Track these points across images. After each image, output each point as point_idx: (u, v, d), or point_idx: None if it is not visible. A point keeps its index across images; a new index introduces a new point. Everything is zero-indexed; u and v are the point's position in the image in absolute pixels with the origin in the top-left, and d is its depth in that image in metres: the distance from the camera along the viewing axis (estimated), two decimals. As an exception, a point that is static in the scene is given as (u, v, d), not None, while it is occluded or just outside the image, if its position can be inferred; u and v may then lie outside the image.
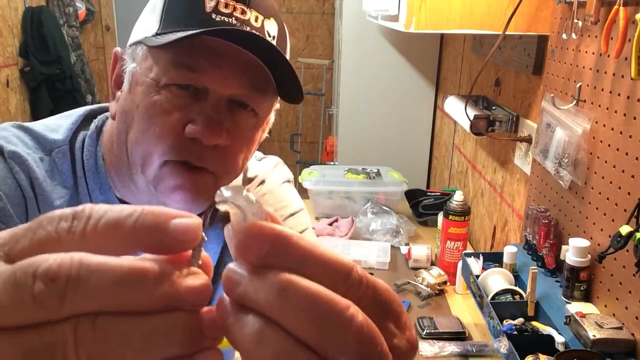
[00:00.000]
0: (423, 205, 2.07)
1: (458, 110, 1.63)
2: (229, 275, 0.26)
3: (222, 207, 0.27)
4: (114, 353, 0.23)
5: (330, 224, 1.98)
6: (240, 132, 0.67)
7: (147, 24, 0.67)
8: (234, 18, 0.63)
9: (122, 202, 0.73)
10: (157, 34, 0.64)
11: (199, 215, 0.77)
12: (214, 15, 0.62)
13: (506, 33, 1.23)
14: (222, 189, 0.28)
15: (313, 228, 0.99)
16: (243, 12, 0.64)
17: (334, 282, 0.26)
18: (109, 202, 0.71)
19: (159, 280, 0.24)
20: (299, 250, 0.26)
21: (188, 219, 0.26)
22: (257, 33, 0.64)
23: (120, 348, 0.23)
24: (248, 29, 0.64)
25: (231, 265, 0.26)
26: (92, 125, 0.75)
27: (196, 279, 0.26)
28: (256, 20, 0.65)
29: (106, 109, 0.78)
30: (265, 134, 0.77)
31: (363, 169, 2.24)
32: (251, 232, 0.26)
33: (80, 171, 0.71)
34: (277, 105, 0.75)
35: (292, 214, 0.88)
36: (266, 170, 0.90)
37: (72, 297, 0.23)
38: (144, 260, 0.25)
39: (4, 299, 0.23)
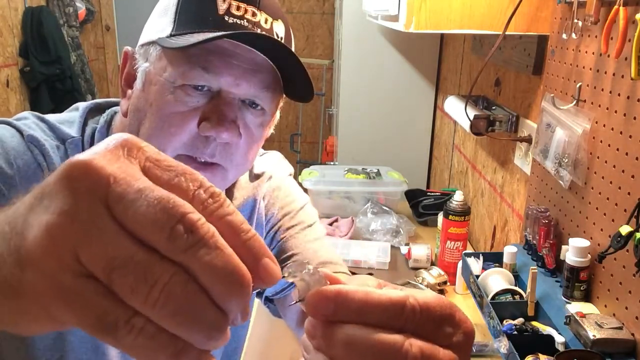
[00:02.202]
0: (423, 205, 2.07)
1: (458, 110, 1.63)
2: (307, 328, 0.33)
3: (289, 279, 0.34)
4: (178, 313, 0.26)
5: (330, 224, 1.98)
6: (251, 129, 0.70)
7: (160, 24, 0.68)
8: (245, 20, 0.65)
9: None
10: (171, 35, 0.66)
11: None
12: (226, 18, 0.64)
13: (506, 33, 1.23)
14: (289, 265, 0.33)
15: None
16: (254, 15, 0.66)
17: (391, 319, 0.31)
18: None
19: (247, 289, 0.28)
20: (356, 302, 0.31)
21: (274, 267, 0.30)
22: (269, 35, 0.66)
23: (180, 314, 0.26)
24: (259, 30, 0.66)
25: (309, 320, 0.33)
26: (102, 120, 0.76)
27: None
28: (266, 22, 0.67)
29: (112, 104, 0.80)
30: (271, 131, 0.79)
31: (363, 169, 2.24)
32: (317, 298, 0.32)
33: None
34: (281, 103, 0.77)
35: (302, 207, 0.91)
36: (272, 166, 0.93)
37: (192, 254, 0.26)
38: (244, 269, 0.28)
39: (150, 212, 0.26)
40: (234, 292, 0.27)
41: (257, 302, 0.97)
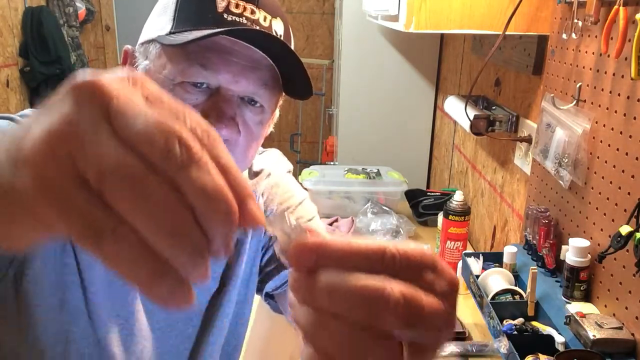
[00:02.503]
0: (423, 205, 2.07)
1: (458, 110, 1.63)
2: (291, 283, 0.33)
3: (270, 231, 0.35)
4: (164, 226, 0.27)
5: (330, 224, 1.98)
6: (250, 127, 0.70)
7: (160, 23, 0.69)
8: (244, 18, 0.66)
9: None
10: (170, 33, 0.66)
11: None
12: (225, 15, 0.65)
13: (506, 33, 1.23)
14: (270, 217, 0.33)
15: None
16: (252, 12, 0.67)
17: (372, 266, 0.31)
18: None
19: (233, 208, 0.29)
20: (337, 250, 0.32)
21: (258, 211, 0.31)
22: (267, 32, 0.66)
23: (166, 228, 0.27)
24: (257, 28, 0.67)
25: (291, 274, 0.33)
26: None
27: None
28: (264, 20, 0.68)
29: None
30: (271, 129, 0.80)
31: (363, 169, 2.24)
32: (298, 249, 0.32)
33: None
34: (280, 101, 0.78)
35: (300, 203, 0.92)
36: (270, 164, 0.93)
37: (185, 173, 0.27)
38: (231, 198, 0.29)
39: (149, 130, 0.27)
40: (220, 216, 0.28)
41: (257, 300, 0.97)
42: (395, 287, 0.31)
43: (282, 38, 0.70)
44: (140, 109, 0.28)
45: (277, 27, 0.70)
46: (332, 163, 2.75)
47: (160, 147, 0.27)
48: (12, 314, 0.67)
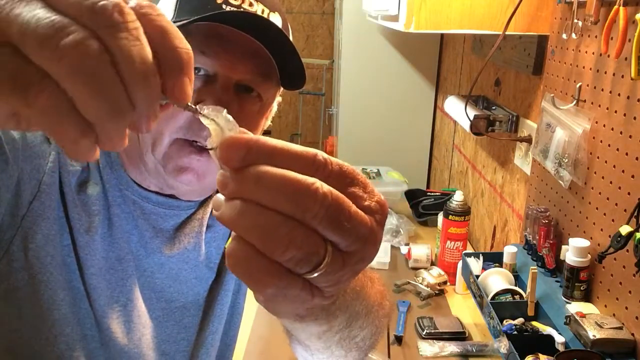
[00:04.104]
0: (423, 205, 2.07)
1: (458, 110, 1.63)
2: (219, 179, 0.32)
3: (203, 121, 0.34)
4: (86, 74, 0.27)
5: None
6: (246, 115, 0.71)
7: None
8: (242, 9, 0.68)
9: (134, 182, 0.75)
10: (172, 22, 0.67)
11: (207, 199, 0.80)
12: (224, 6, 0.67)
13: (506, 33, 1.23)
14: (204, 107, 0.33)
15: None
16: (251, 5, 0.69)
17: (303, 167, 0.31)
18: (120, 180, 0.73)
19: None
20: (268, 147, 0.31)
21: (188, 87, 0.31)
22: (262, 16, 0.68)
23: (87, 76, 0.27)
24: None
25: (220, 171, 0.32)
26: None
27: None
28: (262, 13, 0.69)
29: None
30: (269, 122, 0.80)
31: (363, 169, 2.24)
32: (229, 143, 0.31)
33: None
34: (279, 98, 0.79)
35: None
36: None
37: (111, 34, 0.28)
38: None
39: None
40: (140, 83, 0.29)
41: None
42: (324, 184, 0.31)
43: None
44: None
45: (275, 21, 0.71)
46: (332, 163, 2.74)
47: (93, 5, 0.28)
48: (24, 287, 0.68)
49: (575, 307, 1.04)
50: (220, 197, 0.33)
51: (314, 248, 0.31)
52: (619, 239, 0.91)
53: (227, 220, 0.32)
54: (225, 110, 0.34)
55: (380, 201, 0.34)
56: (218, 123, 0.33)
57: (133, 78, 0.29)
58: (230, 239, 0.32)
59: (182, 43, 0.31)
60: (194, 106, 0.33)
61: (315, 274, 0.32)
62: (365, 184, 0.34)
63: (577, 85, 1.12)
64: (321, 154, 0.32)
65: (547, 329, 1.08)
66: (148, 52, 0.29)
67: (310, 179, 0.31)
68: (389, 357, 1.27)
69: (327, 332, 0.49)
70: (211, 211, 0.79)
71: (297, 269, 0.32)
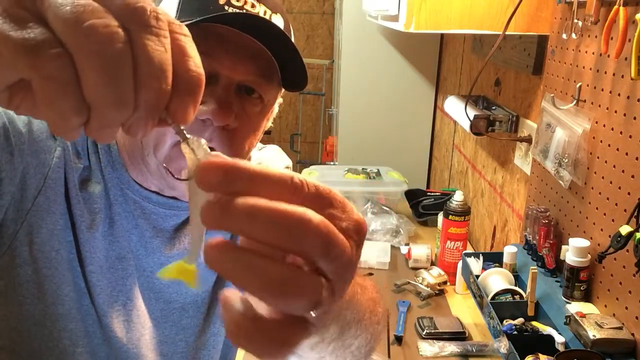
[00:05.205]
0: (423, 205, 2.07)
1: (458, 110, 1.63)
2: (204, 208, 0.30)
3: (183, 150, 0.34)
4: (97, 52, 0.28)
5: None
6: (248, 117, 0.71)
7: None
8: (244, 11, 0.68)
9: (135, 182, 0.75)
10: None
11: None
12: (226, 7, 0.67)
13: (506, 33, 1.23)
14: (192, 137, 0.33)
15: None
16: (253, 6, 0.68)
17: (281, 190, 0.30)
18: (121, 180, 0.73)
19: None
20: (246, 172, 0.30)
21: (190, 111, 0.32)
22: (264, 18, 0.68)
23: (102, 60, 0.28)
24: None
25: (206, 202, 0.31)
26: None
27: None
28: (264, 14, 0.69)
29: None
30: (270, 123, 0.80)
31: (363, 169, 2.24)
32: (206, 165, 0.30)
33: (92, 147, 0.73)
34: (280, 99, 0.79)
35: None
36: (269, 159, 0.95)
37: (140, 34, 0.29)
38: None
39: None
40: (150, 86, 0.29)
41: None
42: (315, 213, 0.30)
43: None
44: None
45: (277, 22, 0.71)
46: (332, 163, 2.75)
47: (130, 0, 0.28)
48: (27, 282, 0.68)
49: (575, 307, 1.04)
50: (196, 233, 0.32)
51: (313, 287, 0.30)
52: (619, 239, 0.91)
53: (218, 267, 0.30)
54: (205, 143, 0.34)
55: (359, 221, 0.33)
56: (196, 153, 0.33)
57: (146, 79, 0.29)
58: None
59: (199, 68, 0.31)
60: (185, 134, 0.33)
61: (315, 314, 0.32)
62: (344, 204, 0.33)
63: (577, 85, 1.12)
64: (297, 176, 0.31)
65: (547, 329, 1.08)
66: (168, 61, 0.29)
67: (299, 208, 0.30)
68: (389, 357, 1.27)
69: (319, 344, 0.49)
70: None
71: (299, 313, 0.31)
